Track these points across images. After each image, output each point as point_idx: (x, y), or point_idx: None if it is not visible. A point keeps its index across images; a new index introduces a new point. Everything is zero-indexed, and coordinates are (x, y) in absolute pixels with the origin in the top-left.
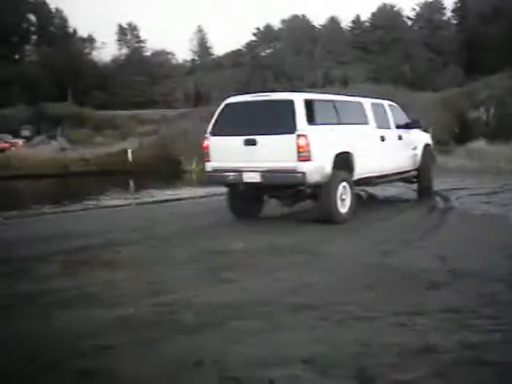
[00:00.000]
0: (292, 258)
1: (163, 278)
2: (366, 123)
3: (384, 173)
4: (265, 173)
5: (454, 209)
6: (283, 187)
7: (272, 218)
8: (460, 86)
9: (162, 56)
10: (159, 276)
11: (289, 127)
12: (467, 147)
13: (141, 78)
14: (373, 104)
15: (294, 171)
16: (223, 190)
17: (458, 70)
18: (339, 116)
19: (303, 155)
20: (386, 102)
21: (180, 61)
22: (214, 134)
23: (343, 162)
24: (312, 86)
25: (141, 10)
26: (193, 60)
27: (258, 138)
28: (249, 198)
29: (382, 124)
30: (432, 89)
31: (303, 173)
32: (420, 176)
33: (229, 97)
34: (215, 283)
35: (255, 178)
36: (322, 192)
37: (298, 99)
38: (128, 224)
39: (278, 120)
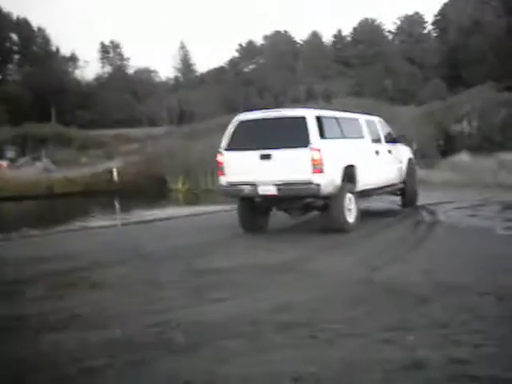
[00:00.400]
0: (279, 275)
1: (150, 299)
2: (362, 137)
3: (379, 185)
4: (280, 185)
5: (441, 222)
6: (297, 199)
7: (278, 231)
8: (442, 100)
9: (145, 74)
10: (146, 296)
11: (303, 141)
12: (451, 160)
13: (125, 96)
14: (366, 120)
15: (309, 183)
16: (211, 208)
17: (440, 84)
18: (342, 131)
19: (317, 168)
20: (376, 118)
21: (163, 78)
22: (228, 149)
23: (349, 174)
24: (295, 101)
25: (123, 28)
26: (176, 77)
27: (272, 152)
28: (258, 212)
29: (375, 139)
30: (414, 102)
31: (318, 184)
32: (406, 189)
33: (213, 114)
34: (203, 303)
35: (271, 190)
36: (332, 203)
37: (310, 115)
38: (114, 245)
39: (292, 135)
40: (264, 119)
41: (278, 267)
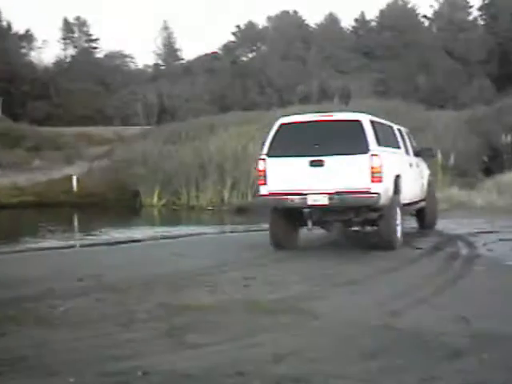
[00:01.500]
0: (277, 316)
1: (113, 340)
2: (399, 148)
3: (411, 201)
4: (333, 195)
5: (481, 257)
6: (350, 210)
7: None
8: (489, 104)
9: (118, 59)
10: (108, 337)
11: (360, 147)
12: (497, 180)
13: (91, 86)
14: (398, 129)
15: (366, 192)
16: (193, 230)
17: (487, 84)
18: (386, 139)
19: (376, 176)
20: (402, 128)
21: (140, 66)
22: (272, 155)
23: (396, 185)
24: (305, 100)
25: (92, 2)
26: (156, 65)
27: (325, 158)
28: (291, 227)
29: (406, 150)
30: (454, 106)
31: (377, 194)
32: (426, 208)
33: (201, 112)
34: (178, 348)
35: (322, 200)
36: (384, 216)
37: (366, 120)
38: (72, 270)
39: (347, 140)
40: (312, 123)
41: (276, 305)
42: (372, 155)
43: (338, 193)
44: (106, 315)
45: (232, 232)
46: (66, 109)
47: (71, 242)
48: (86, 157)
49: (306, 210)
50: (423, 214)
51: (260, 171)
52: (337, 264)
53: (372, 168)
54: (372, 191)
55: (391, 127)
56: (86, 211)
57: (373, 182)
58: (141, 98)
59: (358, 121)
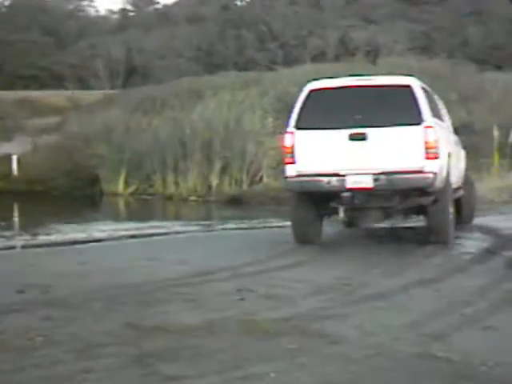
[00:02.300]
0: (281, 340)
1: (65, 372)
2: (443, 121)
3: (455, 187)
4: (379, 175)
5: None
6: (400, 194)
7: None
8: None
9: (71, 3)
10: (58, 368)
11: (412, 118)
12: None
13: (36, 37)
14: (438, 98)
15: (420, 172)
16: (167, 227)
17: None
18: (433, 109)
19: (432, 152)
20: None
21: (102, 12)
22: (300, 127)
23: (448, 165)
24: (320, 58)
25: None
26: (123, 11)
27: (368, 131)
28: (318, 216)
29: (448, 124)
30: None
31: (434, 174)
32: (464, 198)
33: (183, 72)
34: (150, 381)
35: (365, 182)
36: (438, 202)
37: (416, 84)
38: (10, 279)
39: (395, 109)
40: (349, 88)
41: (278, 326)
42: (426, 127)
43: (384, 173)
44: (55, 338)
45: (222, 229)
46: (2, 67)
47: (10, 243)
48: (29, 130)
49: (346, 195)
50: (459, 205)
51: (287, 148)
52: (360, 271)
53: (427, 143)
54: (427, 170)
55: (433, 96)
56: (29, 201)
57: (427, 159)
58: (103, 54)
59: (407, 86)
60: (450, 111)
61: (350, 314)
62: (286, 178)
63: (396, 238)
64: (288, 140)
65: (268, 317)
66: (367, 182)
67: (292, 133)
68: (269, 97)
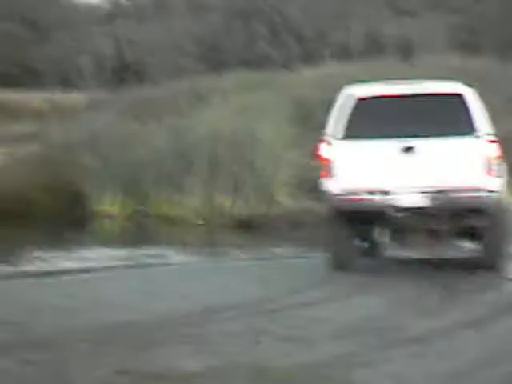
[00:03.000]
0: None
1: None
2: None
3: None
4: (435, 193)
5: None
6: (456, 214)
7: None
8: None
9: None
10: None
11: (467, 128)
12: None
13: (11, 28)
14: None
15: (482, 190)
16: (166, 255)
17: None
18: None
19: (494, 168)
20: None
21: (91, 0)
22: (342, 137)
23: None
24: (344, 54)
25: None
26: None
27: (420, 143)
28: (357, 240)
29: None
30: None
31: (495, 192)
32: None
33: (182, 70)
34: None
35: (420, 201)
36: (496, 223)
37: (468, 92)
38: None
39: (448, 119)
40: (397, 96)
41: (297, 374)
42: (490, 141)
43: (440, 191)
44: None
45: (231, 259)
46: None
47: None
48: (2, 139)
49: (396, 215)
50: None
51: (324, 160)
52: (393, 310)
53: (490, 158)
54: (488, 189)
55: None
56: (2, 223)
57: (489, 175)
58: (89, 48)
59: (458, 94)
60: (495, 120)
61: (380, 360)
62: (325, 194)
63: (437, 268)
64: (326, 151)
65: (285, 363)
66: (423, 201)
67: (330, 143)
68: (285, 101)
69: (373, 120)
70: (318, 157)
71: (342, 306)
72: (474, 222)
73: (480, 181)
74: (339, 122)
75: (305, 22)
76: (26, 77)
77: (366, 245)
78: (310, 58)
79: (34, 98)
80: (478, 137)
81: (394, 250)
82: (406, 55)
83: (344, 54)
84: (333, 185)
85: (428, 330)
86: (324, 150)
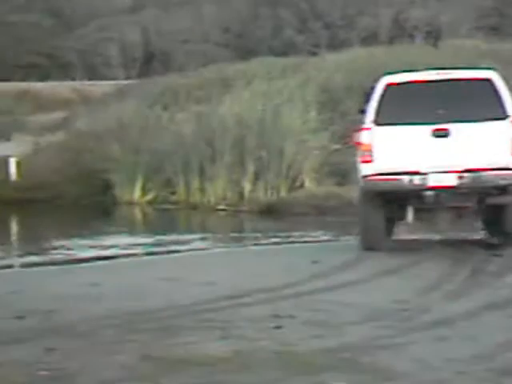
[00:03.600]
0: (324, 375)
1: None
2: None
3: None
4: (464, 173)
5: None
6: (484, 193)
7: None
8: None
9: None
10: None
11: (496, 112)
12: None
13: (39, 18)
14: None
15: (507, 169)
16: (190, 242)
17: None
18: None
19: None
20: None
21: None
22: (379, 123)
23: None
24: (371, 40)
25: None
26: None
27: (451, 126)
28: (389, 220)
29: None
30: None
31: None
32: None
33: (210, 59)
34: None
35: (449, 180)
36: None
37: (497, 78)
38: (8, 303)
39: (477, 104)
40: (427, 82)
41: (323, 358)
42: None
43: (469, 170)
44: (59, 373)
45: (256, 245)
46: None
47: (7, 261)
48: (30, 128)
49: (429, 194)
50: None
51: (364, 145)
52: (419, 293)
53: None
54: None
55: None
56: (30, 211)
57: None
58: (116, 38)
59: (487, 79)
60: None
61: (407, 344)
62: (364, 177)
63: (463, 252)
64: (365, 137)
65: (310, 347)
66: (451, 181)
67: (370, 129)
68: (312, 87)
69: (408, 106)
70: (357, 142)
71: (366, 290)
72: (499, 199)
73: (506, 160)
74: (378, 110)
75: (332, 8)
76: (54, 67)
77: (394, 226)
78: (337, 44)
79: (61, 87)
80: (505, 120)
81: (418, 231)
82: (433, 39)
83: (372, 39)
84: (371, 168)
85: (453, 313)
86: (363, 136)
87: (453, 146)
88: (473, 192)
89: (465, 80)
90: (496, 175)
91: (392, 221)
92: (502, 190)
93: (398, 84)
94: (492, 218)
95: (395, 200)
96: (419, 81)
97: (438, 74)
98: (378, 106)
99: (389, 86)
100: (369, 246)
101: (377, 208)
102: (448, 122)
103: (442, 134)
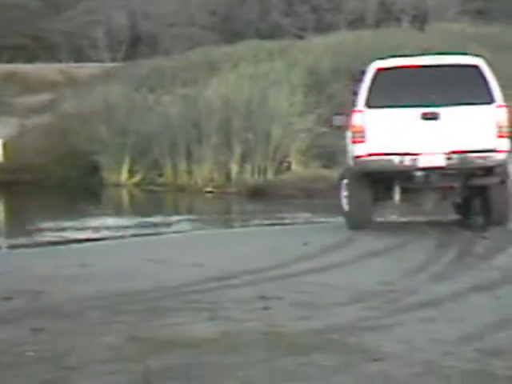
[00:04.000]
0: (311, 356)
1: None
2: None
3: None
4: (452, 154)
5: None
6: (469, 174)
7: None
8: None
9: None
10: None
11: (483, 97)
12: None
13: (26, 1)
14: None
15: (492, 150)
16: (176, 223)
17: None
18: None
19: (503, 131)
20: None
21: None
22: (371, 105)
23: None
24: (357, 23)
25: None
26: None
27: (440, 110)
28: (374, 200)
29: None
30: None
31: (504, 153)
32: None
33: (196, 41)
34: None
35: (437, 161)
36: (503, 181)
37: (484, 64)
38: None
39: (465, 89)
40: (419, 68)
41: (310, 339)
42: (499, 106)
43: (456, 152)
44: (46, 354)
45: (243, 227)
46: None
47: None
48: (16, 110)
49: (419, 174)
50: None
51: (357, 127)
52: (405, 274)
53: (498, 122)
54: (499, 149)
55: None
56: (17, 193)
57: (499, 138)
58: (102, 20)
59: (474, 66)
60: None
61: (393, 325)
62: (355, 158)
63: (448, 233)
64: (358, 119)
65: (297, 329)
66: (440, 161)
67: (362, 111)
68: (298, 70)
69: (398, 90)
70: (350, 124)
71: (353, 272)
72: (484, 180)
73: (492, 143)
74: (369, 93)
75: None
76: (40, 49)
77: (380, 206)
78: (324, 27)
79: (47, 69)
80: (491, 104)
81: (403, 212)
82: (420, 22)
83: (359, 22)
84: (363, 148)
85: (440, 294)
86: (356, 118)
87: (442, 129)
88: (460, 173)
89: (453, 66)
90: (482, 157)
91: (377, 201)
92: (488, 171)
93: (389, 69)
94: (475, 198)
95: (384, 180)
96: (409, 66)
97: (426, 59)
98: (370, 89)
99: (379, 70)
100: (356, 226)
101: (365, 188)
102: (437, 105)
103: (431, 117)
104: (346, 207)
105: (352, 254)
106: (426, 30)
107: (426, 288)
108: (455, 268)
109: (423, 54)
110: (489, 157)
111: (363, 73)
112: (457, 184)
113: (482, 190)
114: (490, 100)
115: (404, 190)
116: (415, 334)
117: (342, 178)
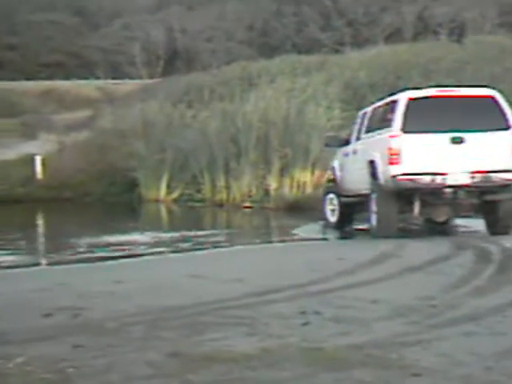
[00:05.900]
0: (351, 371)
1: None
2: None
3: None
4: (476, 174)
5: None
6: (489, 192)
7: None
8: None
9: None
10: None
11: (500, 123)
12: None
13: (63, 17)
14: None
15: (509, 171)
16: (217, 238)
17: None
18: None
19: None
20: None
21: None
22: (406, 131)
23: None
24: (395, 37)
25: None
26: None
27: (466, 135)
28: (399, 214)
29: None
30: None
31: None
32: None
33: (235, 56)
34: None
35: (463, 179)
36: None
37: (498, 95)
38: (35, 300)
39: (484, 116)
40: (443, 97)
41: (350, 354)
42: None
43: (479, 171)
44: (88, 370)
45: (282, 241)
46: (23, 52)
47: (33, 259)
48: (55, 127)
49: (448, 191)
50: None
51: (393, 149)
52: (445, 289)
53: None
54: None
55: None
56: (55, 210)
57: None
58: (140, 36)
59: (490, 97)
60: None
61: (434, 340)
62: (392, 178)
63: (483, 246)
64: (395, 143)
65: (337, 344)
66: (466, 180)
67: (398, 136)
68: (335, 84)
69: (428, 117)
70: (389, 148)
71: (392, 287)
72: (497, 196)
73: (509, 164)
74: (404, 120)
75: (355, 5)
76: (78, 66)
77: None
78: (360, 41)
79: (85, 86)
80: (507, 130)
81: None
82: (457, 35)
83: (396, 36)
84: (400, 169)
85: (481, 308)
86: (393, 142)
87: (467, 152)
88: (481, 190)
89: (472, 97)
90: (500, 176)
91: (401, 214)
92: (503, 187)
93: (419, 98)
94: (487, 211)
95: (409, 196)
96: (436, 96)
97: (450, 90)
98: (404, 116)
99: (411, 99)
100: (385, 234)
101: (393, 203)
102: (462, 131)
103: (458, 141)
104: (332, 219)
105: (390, 269)
106: (463, 43)
107: (466, 302)
108: (496, 282)
109: (447, 86)
110: (506, 176)
111: (381, 100)
112: (475, 199)
113: (493, 204)
114: (506, 126)
115: (423, 204)
116: (455, 349)
117: (325, 193)
